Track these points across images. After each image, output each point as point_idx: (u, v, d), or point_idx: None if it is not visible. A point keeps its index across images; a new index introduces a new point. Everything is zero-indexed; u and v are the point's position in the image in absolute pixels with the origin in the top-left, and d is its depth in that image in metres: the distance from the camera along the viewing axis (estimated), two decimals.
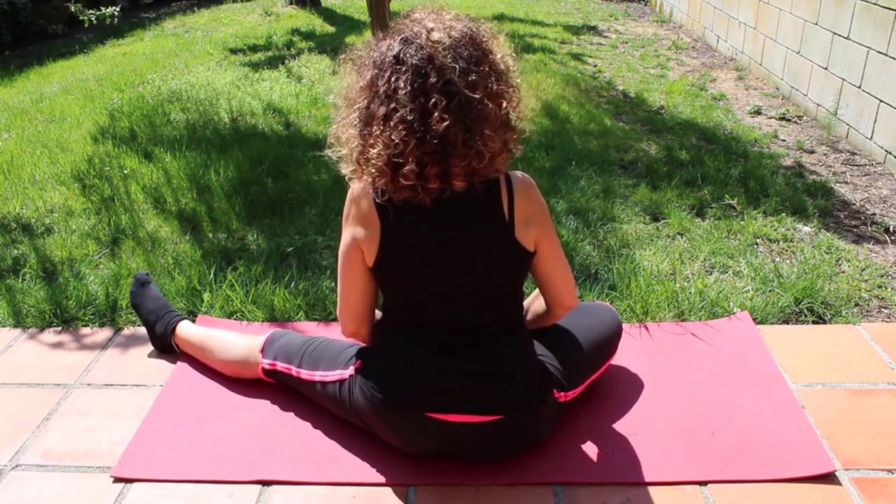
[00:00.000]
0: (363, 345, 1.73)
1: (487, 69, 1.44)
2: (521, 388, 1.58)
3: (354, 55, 1.54)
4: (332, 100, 1.70)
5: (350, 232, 1.56)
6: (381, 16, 4.31)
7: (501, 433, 1.59)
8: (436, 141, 1.39)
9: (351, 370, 1.70)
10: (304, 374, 1.80)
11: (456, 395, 1.55)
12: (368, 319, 1.68)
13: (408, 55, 1.42)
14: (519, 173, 1.56)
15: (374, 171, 1.45)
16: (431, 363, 1.57)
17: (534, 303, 1.80)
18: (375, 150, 1.43)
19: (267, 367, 1.88)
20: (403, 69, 1.41)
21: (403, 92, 1.40)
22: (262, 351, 1.91)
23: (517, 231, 1.52)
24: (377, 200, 1.50)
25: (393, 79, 1.42)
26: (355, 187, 1.55)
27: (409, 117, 1.39)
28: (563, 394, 1.68)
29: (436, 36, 1.42)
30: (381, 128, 1.42)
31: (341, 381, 1.71)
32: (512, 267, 1.58)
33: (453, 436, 1.58)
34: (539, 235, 1.56)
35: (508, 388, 1.57)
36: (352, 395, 1.68)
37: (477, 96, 1.40)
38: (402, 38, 1.45)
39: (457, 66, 1.40)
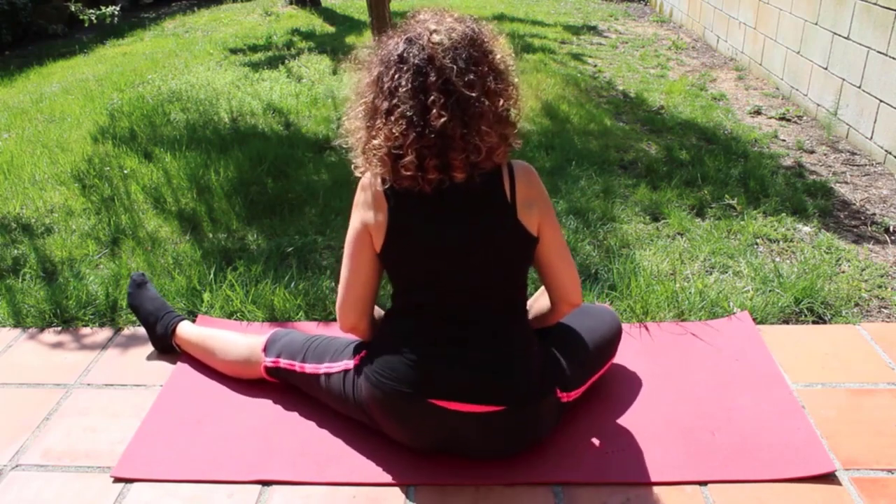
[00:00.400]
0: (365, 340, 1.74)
1: (486, 69, 1.50)
2: (521, 379, 1.60)
3: (365, 52, 1.62)
4: (346, 93, 1.78)
5: (360, 217, 1.60)
6: (381, 16, 4.30)
7: (502, 425, 1.60)
8: (433, 135, 1.46)
9: (356, 360, 1.71)
10: (309, 367, 1.81)
11: (457, 382, 1.57)
12: (368, 313, 1.69)
13: (410, 55, 1.48)
14: (520, 161, 1.61)
15: (376, 160, 1.52)
16: (433, 350, 1.59)
17: (538, 301, 1.81)
18: (377, 142, 1.50)
19: (270, 364, 1.89)
20: (406, 68, 1.48)
21: (404, 89, 1.47)
22: (265, 349, 1.91)
23: (519, 212, 1.56)
24: (383, 187, 1.55)
25: (396, 76, 1.49)
26: (366, 175, 1.60)
27: (409, 113, 1.47)
28: (565, 394, 1.68)
29: (436, 38, 1.49)
30: (384, 121, 1.50)
31: (346, 372, 1.73)
32: (515, 252, 1.60)
33: (455, 426, 1.59)
34: (542, 221, 1.59)
35: (509, 378, 1.58)
36: (355, 385, 1.69)
37: (474, 94, 1.46)
38: (406, 38, 1.52)
39: (455, 67, 1.46)
